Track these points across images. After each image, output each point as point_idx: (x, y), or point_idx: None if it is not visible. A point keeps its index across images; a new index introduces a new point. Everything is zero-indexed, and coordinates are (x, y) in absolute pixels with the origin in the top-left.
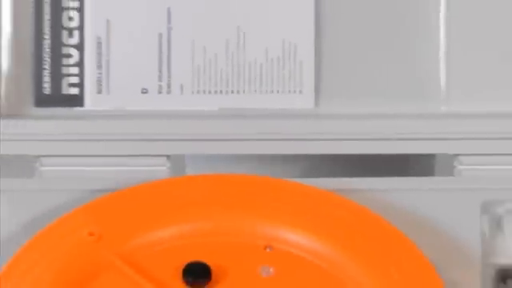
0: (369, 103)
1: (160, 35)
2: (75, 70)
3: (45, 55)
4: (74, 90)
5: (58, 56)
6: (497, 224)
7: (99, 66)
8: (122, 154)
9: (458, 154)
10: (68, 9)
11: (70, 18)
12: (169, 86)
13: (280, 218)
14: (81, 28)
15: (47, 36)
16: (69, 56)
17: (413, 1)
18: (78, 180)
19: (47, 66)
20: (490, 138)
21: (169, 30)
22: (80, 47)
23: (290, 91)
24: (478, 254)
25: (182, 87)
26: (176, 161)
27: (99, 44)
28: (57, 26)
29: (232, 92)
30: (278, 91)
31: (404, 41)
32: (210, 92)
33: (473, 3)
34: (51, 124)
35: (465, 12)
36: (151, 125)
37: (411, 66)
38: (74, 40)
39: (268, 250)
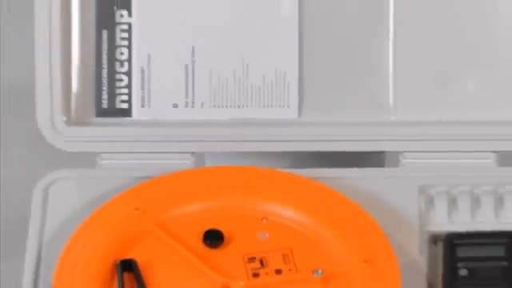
0: (337, 114)
1: (186, 66)
2: (125, 91)
3: (103, 79)
4: (124, 105)
5: (112, 80)
6: (430, 202)
7: (142, 88)
8: (158, 151)
9: (402, 151)
10: (120, 46)
11: (122, 53)
12: (193, 102)
13: (273, 198)
14: (129, 60)
15: (105, 66)
16: (120, 80)
17: (367, 36)
18: (127, 170)
19: (105, 87)
20: (426, 140)
21: (193, 62)
22: (128, 74)
23: (280, 106)
24: (416, 223)
25: (202, 103)
26: (198, 156)
27: (142, 72)
28: (112, 59)
29: (239, 106)
30: (271, 106)
31: (363, 68)
32: (222, 106)
33: (416, 39)
34: (108, 130)
35: (409, 44)
36: (180, 130)
37: (369, 86)
38: (124, 69)
39: (264, 221)
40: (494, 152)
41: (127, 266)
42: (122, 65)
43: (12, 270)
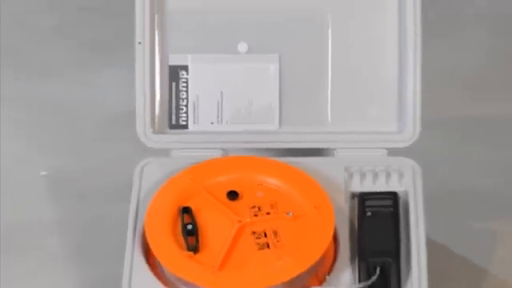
0: (300, 126)
1: (218, 101)
2: (184, 114)
3: (173, 108)
4: (184, 122)
5: (178, 108)
6: (350, 175)
7: (194, 113)
8: (202, 147)
9: (335, 148)
10: (182, 90)
11: (182, 94)
12: (221, 120)
13: (264, 173)
14: (187, 98)
15: (174, 100)
16: (182, 108)
17: (313, 79)
18: (185, 158)
19: (174, 112)
20: (348, 141)
21: (222, 99)
22: (186, 105)
23: (268, 122)
24: (343, 187)
25: (226, 121)
26: (224, 151)
27: (193, 104)
28: (177, 96)
29: (245, 123)
30: (264, 122)
31: (313, 100)
32: (236, 123)
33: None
34: (175, 136)
35: (342, 76)
36: (214, 136)
37: (317, 111)
38: (184, 102)
39: (260, 186)
40: (385, 148)
41: (186, 210)
42: (183, 100)
43: (119, 212)
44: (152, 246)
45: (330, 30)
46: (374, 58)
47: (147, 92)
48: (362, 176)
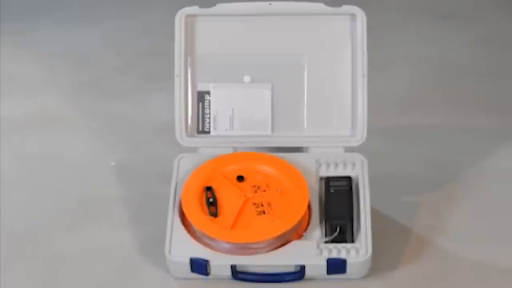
0: (286, 132)
1: (230, 116)
2: (208, 124)
3: (199, 119)
4: (207, 129)
5: (203, 119)
6: (319, 165)
7: (214, 123)
8: (220, 146)
9: (309, 147)
10: (206, 107)
11: (207, 110)
12: (232, 127)
13: (261, 163)
14: (209, 113)
15: (201, 114)
16: (206, 120)
17: (292, 103)
18: (208, 155)
19: (200, 122)
20: (318, 142)
21: (233, 114)
22: (209, 118)
23: (263, 129)
24: (314, 173)
25: (236, 128)
26: (235, 149)
27: (214, 117)
28: (203, 112)
29: (247, 129)
30: (262, 129)
31: (295, 114)
32: (241, 129)
33: (318, 93)
34: (201, 139)
35: (314, 97)
36: (228, 139)
37: (296, 121)
38: (208, 116)
39: (258, 172)
40: (343, 147)
41: (208, 189)
42: (206, 114)
43: (163, 190)
44: (186, 213)
45: (305, 66)
46: (336, 85)
47: (182, 109)
48: (328, 165)
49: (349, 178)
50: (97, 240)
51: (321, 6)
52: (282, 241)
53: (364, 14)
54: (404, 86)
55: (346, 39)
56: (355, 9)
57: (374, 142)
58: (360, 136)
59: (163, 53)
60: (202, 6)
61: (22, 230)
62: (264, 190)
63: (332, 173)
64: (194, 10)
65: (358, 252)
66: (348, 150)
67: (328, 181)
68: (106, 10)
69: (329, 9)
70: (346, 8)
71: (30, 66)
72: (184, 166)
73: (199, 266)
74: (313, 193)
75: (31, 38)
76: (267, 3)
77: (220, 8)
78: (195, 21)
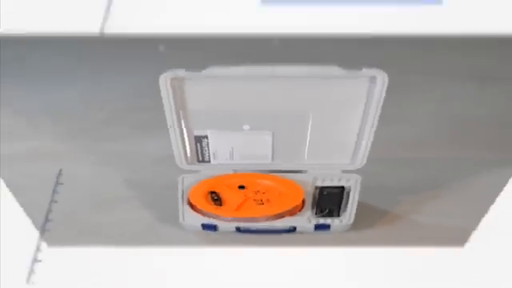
0: (285, 160)
1: (230, 151)
2: (207, 155)
3: (198, 152)
4: (207, 158)
5: (203, 153)
6: (315, 180)
7: (213, 155)
8: (218, 173)
9: (306, 170)
10: (205, 146)
11: (205, 148)
12: (232, 157)
13: (262, 178)
14: (208, 151)
15: (199, 150)
16: (206, 153)
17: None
18: (208, 175)
19: (200, 154)
20: (314, 166)
21: (232, 150)
22: (208, 153)
23: (265, 158)
24: (311, 185)
25: (235, 158)
26: (236, 171)
27: (214, 153)
28: (202, 150)
29: (246, 158)
30: (263, 158)
31: (295, 144)
32: (240, 159)
33: (319, 142)
34: (201, 166)
35: (314, 143)
36: (227, 166)
37: (295, 151)
38: (207, 151)
39: (258, 185)
40: (341, 170)
41: (213, 193)
42: (207, 151)
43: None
44: (194, 202)
45: (310, 116)
46: (341, 130)
47: (180, 148)
48: (321, 180)
49: (342, 187)
50: (125, 219)
51: (335, 70)
52: (278, 218)
53: (386, 75)
54: (411, 132)
55: (360, 99)
56: (377, 71)
57: (372, 168)
58: (359, 163)
59: (152, 107)
60: (189, 69)
61: None
62: (263, 193)
63: (327, 183)
64: (179, 73)
65: (341, 221)
66: (346, 172)
67: (322, 188)
68: (81, 74)
69: (345, 72)
70: (366, 71)
71: (7, 120)
72: (188, 183)
73: (209, 227)
74: (308, 196)
75: (6, 95)
76: (270, 67)
77: (212, 71)
78: (183, 83)
